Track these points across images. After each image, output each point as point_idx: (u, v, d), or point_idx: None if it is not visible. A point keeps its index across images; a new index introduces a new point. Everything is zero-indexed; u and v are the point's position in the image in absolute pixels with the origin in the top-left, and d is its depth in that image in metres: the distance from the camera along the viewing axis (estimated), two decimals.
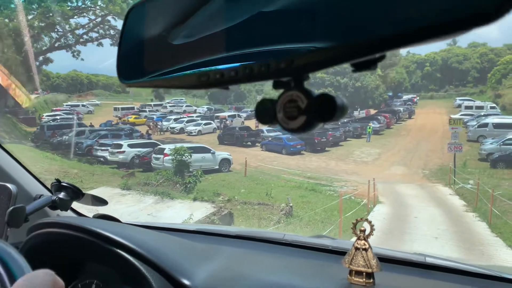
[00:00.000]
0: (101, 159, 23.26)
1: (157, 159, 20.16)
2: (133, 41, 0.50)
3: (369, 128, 32.16)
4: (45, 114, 39.22)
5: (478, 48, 67.94)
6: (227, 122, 36.33)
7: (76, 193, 1.53)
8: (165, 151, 19.96)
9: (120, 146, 22.52)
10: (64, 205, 1.50)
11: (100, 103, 54.55)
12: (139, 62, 0.49)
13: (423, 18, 0.29)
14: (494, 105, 43.38)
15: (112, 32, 34.03)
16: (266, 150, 28.24)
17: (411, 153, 27.42)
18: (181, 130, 35.42)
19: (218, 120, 37.15)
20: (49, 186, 1.68)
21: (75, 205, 1.64)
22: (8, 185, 1.31)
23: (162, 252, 1.22)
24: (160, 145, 22.60)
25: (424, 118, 42.58)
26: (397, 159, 25.92)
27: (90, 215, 1.71)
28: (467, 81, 64.88)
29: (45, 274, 0.55)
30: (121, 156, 22.09)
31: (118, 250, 1.18)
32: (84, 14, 31.03)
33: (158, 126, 35.18)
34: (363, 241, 1.17)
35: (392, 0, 0.30)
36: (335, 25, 0.33)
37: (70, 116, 38.08)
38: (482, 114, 38.16)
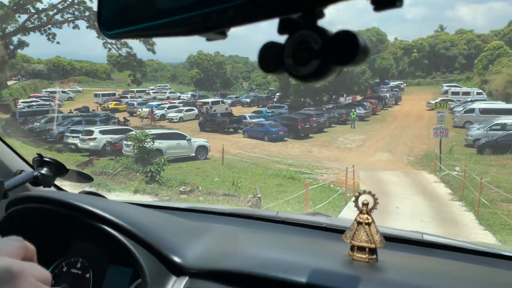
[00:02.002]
0: (72, 146, 21.83)
1: (128, 146, 18.77)
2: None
3: (353, 114, 31.05)
4: (20, 101, 37.57)
5: (465, 34, 67.10)
6: (204, 108, 34.80)
7: (59, 169, 1.41)
8: None
9: (91, 132, 21.10)
10: (46, 181, 1.39)
11: (82, 89, 52.89)
12: (122, 8, 0.43)
13: None
14: (480, 91, 42.68)
15: (87, 13, 32.20)
16: (248, 137, 27.04)
17: (396, 139, 26.42)
18: (162, 117, 34.05)
19: (199, 107, 35.66)
20: (30, 162, 1.51)
21: (58, 183, 1.57)
22: None
23: (151, 228, 1.14)
24: (132, 130, 21.22)
25: (410, 104, 41.68)
26: (381, 145, 24.88)
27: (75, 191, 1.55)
28: (454, 68, 64.16)
29: (14, 240, 0.51)
30: (92, 143, 20.69)
31: (104, 226, 1.09)
32: None
33: (155, 114, 33.51)
34: (365, 215, 1.06)
35: None
36: None
37: (47, 103, 36.42)
38: (468, 100, 37.44)
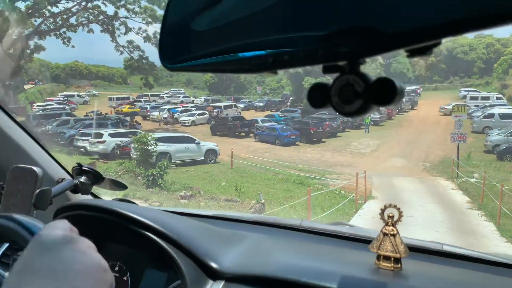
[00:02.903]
0: (82, 149, 21.59)
1: (136, 148, 18.47)
2: (177, 24, 0.47)
3: (367, 118, 30.20)
4: (35, 104, 37.80)
5: (484, 38, 65.35)
6: (214, 112, 34.28)
7: (96, 177, 1.51)
8: None
9: (100, 135, 20.81)
10: (85, 189, 1.49)
11: (98, 93, 53.17)
12: (184, 44, 0.46)
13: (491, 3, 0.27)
14: (500, 95, 41.30)
15: (101, 17, 32.20)
16: (259, 141, 26.48)
17: (412, 145, 25.50)
18: (175, 120, 33.79)
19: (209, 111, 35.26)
20: (70, 171, 1.60)
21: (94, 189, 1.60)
22: (35, 168, 1.30)
23: (188, 235, 1.21)
24: (141, 133, 20.89)
25: (427, 109, 40.47)
26: (396, 151, 24.01)
27: (110, 199, 1.68)
28: (473, 72, 62.44)
29: (62, 222, 0.59)
30: (101, 146, 20.40)
31: (145, 232, 1.17)
32: None
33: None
34: (391, 227, 1.13)
35: None
36: (396, 8, 0.32)
37: (61, 106, 36.57)
38: (487, 104, 36.17)
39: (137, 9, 30.16)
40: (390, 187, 14.80)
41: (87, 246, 0.57)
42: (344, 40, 0.34)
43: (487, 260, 1.30)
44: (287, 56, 0.38)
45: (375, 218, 9.97)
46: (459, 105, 18.85)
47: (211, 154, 19.83)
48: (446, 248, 1.36)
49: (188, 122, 33.02)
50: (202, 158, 19.51)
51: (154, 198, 11.77)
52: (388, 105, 0.37)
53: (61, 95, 45.63)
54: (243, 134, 28.61)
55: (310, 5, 0.36)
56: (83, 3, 30.60)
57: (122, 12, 30.61)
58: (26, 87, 47.98)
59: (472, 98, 41.71)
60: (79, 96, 46.66)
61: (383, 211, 1.15)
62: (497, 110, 29.11)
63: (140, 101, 44.04)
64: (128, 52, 28.98)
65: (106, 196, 1.83)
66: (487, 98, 41.01)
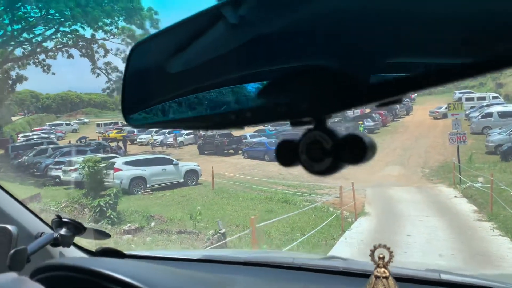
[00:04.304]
0: (56, 179, 19.88)
1: (107, 175, 16.70)
2: (137, 79, 0.48)
3: (361, 126, 28.52)
4: (20, 135, 36.27)
5: None
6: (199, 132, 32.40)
7: (77, 228, 1.46)
8: (115, 165, 16.50)
9: (74, 163, 19.09)
10: (66, 242, 1.43)
11: (88, 121, 51.74)
12: (145, 100, 0.47)
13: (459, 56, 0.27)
14: (496, 95, 39.68)
15: (81, 43, 30.87)
16: (248, 157, 24.74)
17: (408, 151, 23.73)
18: (162, 143, 32.20)
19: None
20: (49, 223, 1.55)
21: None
22: (8, 226, 1.25)
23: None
24: (118, 157, 19.20)
25: (422, 114, 38.76)
26: (392, 158, 22.19)
27: (92, 248, 1.64)
28: None
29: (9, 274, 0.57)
30: (74, 175, 18.62)
31: None
32: (43, 24, 27.80)
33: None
34: (383, 269, 1.09)
35: (419, 43, 0.28)
36: (361, 66, 0.31)
37: (46, 136, 35.00)
38: (484, 104, 34.53)
39: (114, 30, 28.84)
40: (385, 199, 12.96)
41: None
42: (304, 97, 0.33)
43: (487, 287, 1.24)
44: (250, 113, 0.37)
45: (364, 242, 8.11)
46: (455, 103, 17.15)
47: (192, 175, 18.05)
48: (444, 277, 1.31)
49: (176, 143, 31.45)
50: (182, 180, 17.72)
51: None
52: (359, 164, 0.34)
53: (49, 124, 44.16)
54: (231, 151, 26.90)
55: (270, 60, 0.35)
56: (60, 28, 29.31)
57: (99, 34, 29.29)
58: (14, 118, 46.60)
59: (467, 99, 39.99)
60: (67, 124, 45.20)
61: (372, 252, 1.11)
62: (495, 109, 27.51)
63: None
64: (106, 73, 27.53)
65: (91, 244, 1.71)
66: (483, 98, 39.41)
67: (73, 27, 30.32)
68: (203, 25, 0.39)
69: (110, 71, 27.51)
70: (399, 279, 1.16)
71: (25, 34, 29.48)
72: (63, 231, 1.40)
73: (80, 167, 14.63)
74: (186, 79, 0.42)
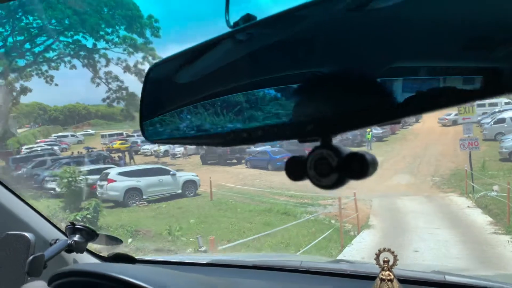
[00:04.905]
0: (52, 191, 19.24)
1: (101, 186, 16.03)
2: (155, 99, 0.52)
3: (369, 134, 27.52)
4: (24, 147, 35.95)
5: None
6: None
7: (90, 235, 1.48)
8: (109, 176, 15.82)
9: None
10: (79, 248, 1.46)
11: (94, 132, 51.46)
12: (162, 118, 0.51)
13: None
14: (509, 100, 38.33)
15: (83, 53, 30.52)
16: (251, 166, 23.96)
17: (418, 159, 22.69)
18: (166, 153, 31.53)
19: None
20: (63, 229, 1.58)
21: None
22: (26, 234, 1.28)
23: None
24: (113, 167, 18.52)
25: (433, 121, 37.53)
26: (401, 166, 21.21)
27: (105, 254, 1.70)
28: None
29: (39, 282, 0.57)
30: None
31: None
32: (44, 34, 27.53)
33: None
34: (387, 272, 1.13)
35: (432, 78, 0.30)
36: (366, 88, 0.33)
37: (49, 147, 34.66)
38: (496, 110, 33.31)
39: (116, 39, 28.47)
40: (392, 210, 12.02)
41: None
42: (311, 119, 0.36)
43: None
44: (261, 132, 0.39)
45: (365, 259, 7.20)
46: (466, 106, 16.14)
47: (190, 186, 17.27)
48: (449, 279, 1.31)
49: (180, 154, 30.76)
50: (180, 191, 16.95)
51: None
52: (363, 178, 0.37)
53: (54, 136, 43.91)
54: (234, 161, 26.12)
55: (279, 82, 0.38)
56: (61, 38, 29.02)
57: (101, 44, 28.96)
58: (20, 130, 46.54)
59: (479, 105, 38.61)
60: (73, 136, 44.92)
61: (378, 255, 1.14)
62: (508, 115, 26.32)
63: (133, 136, 42.12)
64: (106, 83, 27.08)
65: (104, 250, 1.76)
66: (495, 105, 38.05)
67: (75, 37, 30.05)
68: (218, 50, 0.42)
69: (110, 81, 27.03)
70: (404, 281, 1.20)
71: (27, 45, 29.27)
72: (76, 237, 1.42)
73: (58, 178, 13.94)
74: (200, 97, 0.44)
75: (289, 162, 0.41)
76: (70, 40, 30.18)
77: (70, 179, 13.07)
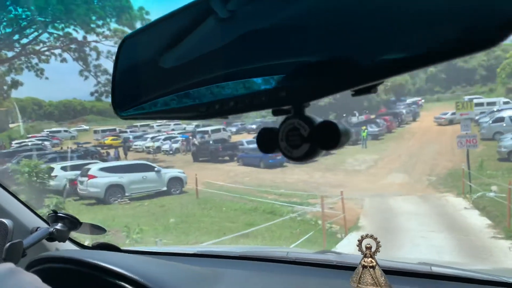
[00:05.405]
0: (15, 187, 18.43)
1: (81, 182, 15.24)
2: (127, 73, 0.50)
3: (364, 132, 26.72)
4: (14, 142, 35.15)
5: None
6: (192, 140, 30.36)
7: (73, 223, 1.44)
8: (89, 172, 15.02)
9: (51, 170, 17.64)
10: (61, 236, 1.41)
11: (88, 128, 50.70)
12: (135, 93, 0.49)
13: (423, 44, 0.28)
14: (508, 100, 37.61)
15: (73, 46, 29.68)
16: (243, 164, 23.15)
17: (414, 158, 21.91)
18: (157, 149, 30.71)
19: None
20: (45, 218, 1.56)
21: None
22: (3, 220, 1.24)
23: (163, 280, 1.15)
24: (98, 162, 17.71)
25: (430, 120, 36.77)
26: (396, 165, 20.43)
27: (88, 243, 1.65)
28: (475, 81, 58.75)
29: (6, 264, 0.56)
30: (52, 182, 17.17)
31: (119, 281, 1.11)
32: (33, 26, 26.67)
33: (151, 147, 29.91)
34: (370, 259, 1.10)
35: (392, 28, 0.29)
36: (335, 52, 0.33)
37: (40, 142, 33.83)
38: (494, 110, 32.57)
39: (107, 32, 27.63)
40: (384, 210, 11.22)
41: (33, 278, 0.53)
42: (283, 86, 0.35)
43: (481, 280, 1.23)
44: (233, 103, 0.38)
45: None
46: (463, 101, 15.31)
47: (176, 183, 16.48)
48: (435, 270, 1.29)
49: (171, 150, 29.94)
50: (165, 188, 16.17)
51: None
52: (334, 148, 0.36)
53: (47, 131, 43.08)
54: (227, 158, 25.33)
55: (253, 52, 0.37)
56: (52, 30, 28.17)
57: (91, 37, 28.12)
58: (12, 125, 45.69)
59: (477, 104, 37.84)
60: (66, 131, 44.06)
61: (360, 242, 1.12)
62: (507, 114, 25.59)
63: (126, 132, 41.32)
64: (95, 76, 26.24)
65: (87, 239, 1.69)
66: (493, 104, 37.42)
67: (66, 30, 29.21)
68: (193, 19, 0.40)
69: (99, 74, 26.21)
70: (389, 271, 1.16)
71: (16, 36, 28.44)
72: (59, 225, 1.38)
73: (18, 174, 13.14)
74: (177, 74, 0.43)
75: (260, 133, 0.40)
76: (61, 33, 29.35)
77: (30, 173, 12.24)
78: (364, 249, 1.10)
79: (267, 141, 0.40)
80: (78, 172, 16.92)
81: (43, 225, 1.48)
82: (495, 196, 10.93)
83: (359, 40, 0.31)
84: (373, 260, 1.08)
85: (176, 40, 0.42)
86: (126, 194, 15.16)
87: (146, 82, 0.46)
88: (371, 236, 1.11)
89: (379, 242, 1.10)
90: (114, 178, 14.99)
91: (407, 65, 0.29)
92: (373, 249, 1.10)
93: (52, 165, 18.34)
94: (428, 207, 11.69)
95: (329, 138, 0.35)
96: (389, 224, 9.12)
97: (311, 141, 0.36)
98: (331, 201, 12.97)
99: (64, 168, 17.57)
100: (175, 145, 30.37)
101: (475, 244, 7.69)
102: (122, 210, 13.41)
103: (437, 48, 0.27)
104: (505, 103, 36.70)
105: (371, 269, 1.07)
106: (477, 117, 28.98)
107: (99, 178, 14.79)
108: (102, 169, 15.33)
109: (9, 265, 0.54)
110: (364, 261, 1.08)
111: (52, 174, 17.33)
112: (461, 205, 11.53)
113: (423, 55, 0.28)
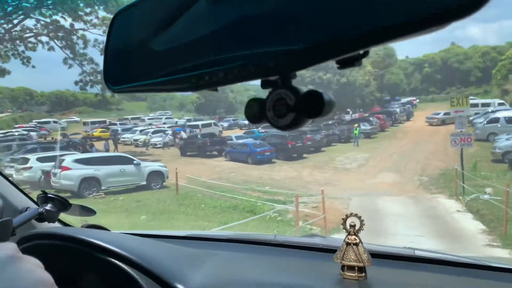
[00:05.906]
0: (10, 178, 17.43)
1: (54, 174, 14.28)
2: (119, 47, 0.50)
3: (356, 130, 25.87)
4: (0, 132, 34.08)
5: (479, 47, 61.33)
6: (178, 135, 29.18)
7: (63, 204, 1.38)
8: (63, 163, 14.06)
9: (26, 161, 16.69)
10: (51, 217, 1.35)
11: (79, 119, 49.56)
12: (126, 67, 0.49)
13: (403, 12, 0.28)
14: (502, 101, 36.93)
15: (60, 34, 28.53)
16: (231, 159, 22.27)
17: (406, 157, 21.09)
18: (149, 143, 29.74)
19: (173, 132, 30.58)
20: (35, 199, 1.49)
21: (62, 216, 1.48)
22: None
23: (154, 258, 1.12)
24: (75, 154, 16.76)
25: (424, 120, 36.06)
26: (388, 164, 19.60)
27: (78, 225, 1.62)
28: (470, 82, 58.10)
29: (7, 243, 0.54)
30: (26, 174, 16.20)
31: (109, 258, 1.08)
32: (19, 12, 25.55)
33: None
34: (353, 236, 1.11)
35: None
36: (318, 22, 0.33)
37: (26, 133, 32.75)
38: (489, 110, 31.86)
39: (95, 20, 26.55)
40: (371, 211, 10.33)
41: (33, 264, 0.52)
42: (271, 56, 0.36)
43: (459, 263, 1.24)
44: (222, 73, 0.39)
45: None
46: (458, 97, 14.47)
47: (156, 177, 15.56)
48: (418, 253, 1.31)
49: (160, 144, 28.99)
50: (145, 182, 15.25)
51: None
52: (318, 117, 0.37)
53: (35, 122, 41.96)
54: (215, 152, 24.42)
55: (241, 25, 0.37)
56: (39, 17, 27.03)
57: (78, 25, 27.01)
58: (1, 115, 44.49)
59: (472, 105, 37.08)
60: (55, 122, 42.92)
61: (344, 220, 1.13)
62: (502, 114, 24.82)
63: (115, 124, 40.25)
64: (80, 65, 25.14)
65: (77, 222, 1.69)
66: (487, 105, 36.70)
67: (53, 17, 28.10)
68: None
69: (85, 63, 25.13)
70: (374, 255, 1.15)
71: (1, 21, 27.33)
72: (48, 206, 1.34)
73: None
74: (168, 56, 0.43)
75: (249, 104, 0.42)
76: (48, 20, 28.23)
77: None
78: (348, 227, 1.10)
79: (255, 111, 0.41)
80: (53, 163, 15.99)
81: (33, 206, 1.41)
82: (490, 198, 10.12)
83: (343, 9, 0.31)
84: (356, 238, 1.09)
85: (168, 19, 0.42)
86: (102, 188, 14.25)
87: (137, 62, 0.46)
88: (355, 215, 1.11)
89: (363, 220, 1.11)
90: (90, 170, 14.06)
91: (386, 35, 0.29)
92: (357, 227, 1.10)
93: (28, 156, 17.37)
94: (418, 208, 10.86)
95: (313, 107, 0.37)
96: (374, 227, 8.27)
97: (297, 110, 0.38)
98: (315, 200, 12.11)
99: (40, 160, 16.55)
100: (163, 139, 29.42)
101: (468, 252, 6.85)
102: (95, 204, 12.47)
103: (421, 15, 0.27)
104: (500, 104, 36.06)
105: (354, 246, 1.08)
106: (471, 118, 28.29)
107: (73, 170, 13.85)
108: (76, 161, 14.38)
109: (7, 249, 0.50)
110: (348, 239, 1.09)
111: (27, 165, 16.41)
112: (453, 208, 10.70)
113: (407, 22, 0.28)
